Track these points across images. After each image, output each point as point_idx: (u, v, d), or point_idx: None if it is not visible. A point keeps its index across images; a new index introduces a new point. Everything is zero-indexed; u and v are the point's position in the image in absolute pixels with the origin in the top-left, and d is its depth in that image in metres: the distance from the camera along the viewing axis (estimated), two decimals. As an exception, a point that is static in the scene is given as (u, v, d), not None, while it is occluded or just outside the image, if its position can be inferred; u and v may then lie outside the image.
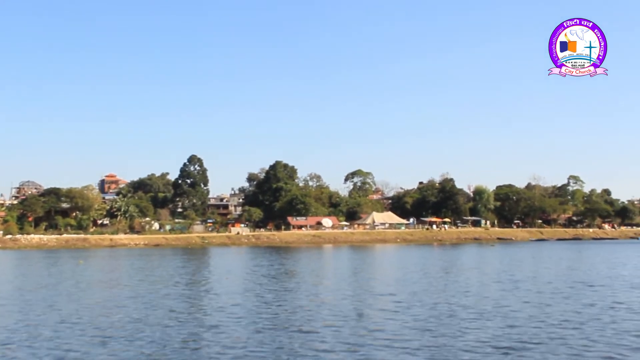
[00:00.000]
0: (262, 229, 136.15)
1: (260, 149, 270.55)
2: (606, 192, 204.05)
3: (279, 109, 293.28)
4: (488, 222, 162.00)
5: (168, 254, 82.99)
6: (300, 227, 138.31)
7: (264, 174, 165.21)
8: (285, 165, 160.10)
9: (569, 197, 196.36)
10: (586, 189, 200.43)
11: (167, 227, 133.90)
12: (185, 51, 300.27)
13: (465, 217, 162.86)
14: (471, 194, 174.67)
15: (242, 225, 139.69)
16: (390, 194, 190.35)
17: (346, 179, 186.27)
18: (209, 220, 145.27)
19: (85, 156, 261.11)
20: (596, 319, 23.70)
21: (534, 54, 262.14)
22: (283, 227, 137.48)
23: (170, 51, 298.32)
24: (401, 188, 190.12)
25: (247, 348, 19.58)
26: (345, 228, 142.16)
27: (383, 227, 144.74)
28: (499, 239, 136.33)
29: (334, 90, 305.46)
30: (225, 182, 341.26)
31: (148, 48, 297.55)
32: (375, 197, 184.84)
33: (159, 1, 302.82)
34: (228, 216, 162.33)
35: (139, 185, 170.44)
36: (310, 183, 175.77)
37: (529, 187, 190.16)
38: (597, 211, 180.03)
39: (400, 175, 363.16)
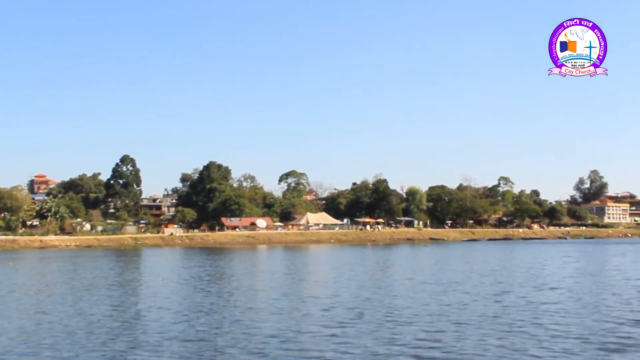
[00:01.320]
0: (195, 230, 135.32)
1: (194, 149, 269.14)
2: (535, 193, 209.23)
3: (212, 109, 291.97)
4: (421, 223, 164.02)
5: (100, 256, 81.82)
6: (234, 227, 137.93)
7: (197, 175, 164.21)
8: (219, 166, 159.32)
9: (500, 198, 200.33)
10: (516, 190, 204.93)
11: (99, 228, 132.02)
12: (115, 51, 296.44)
13: (398, 218, 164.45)
14: (404, 195, 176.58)
15: (176, 226, 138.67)
16: (324, 195, 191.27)
17: (280, 180, 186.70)
18: (141, 221, 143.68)
19: (14, 156, 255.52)
20: (518, 323, 23.77)
21: (535, 53, 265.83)
22: (217, 227, 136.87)
23: (100, 51, 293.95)
24: (335, 189, 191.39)
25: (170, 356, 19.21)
26: (279, 229, 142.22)
27: (317, 227, 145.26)
28: (431, 239, 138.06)
29: (269, 90, 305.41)
30: (158, 182, 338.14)
31: (78, 49, 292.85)
32: (309, 197, 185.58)
33: (87, 3, 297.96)
34: (161, 217, 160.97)
35: (70, 186, 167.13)
36: (245, 184, 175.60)
37: (460, 188, 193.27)
38: (527, 212, 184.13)
39: (334, 176, 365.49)
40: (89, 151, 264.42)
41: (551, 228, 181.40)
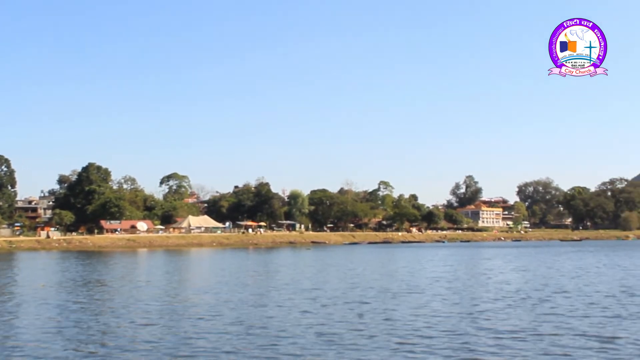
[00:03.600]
0: (74, 233, 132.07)
1: (72, 150, 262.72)
2: (413, 197, 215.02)
3: (92, 111, 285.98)
4: (302, 226, 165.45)
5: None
6: (114, 230, 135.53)
7: (75, 176, 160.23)
8: (99, 168, 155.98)
9: (380, 202, 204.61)
10: (395, 194, 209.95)
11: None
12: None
13: (280, 221, 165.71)
14: (286, 198, 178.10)
15: (53, 229, 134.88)
16: (206, 198, 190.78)
17: (161, 182, 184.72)
18: (16, 224, 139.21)
19: None
20: (376, 331, 23.33)
21: (534, 53, 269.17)
22: (96, 231, 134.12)
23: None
24: (217, 192, 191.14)
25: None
26: (160, 232, 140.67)
27: (199, 230, 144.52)
28: (313, 242, 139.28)
29: (150, 92, 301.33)
30: (34, 184, 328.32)
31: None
32: (191, 200, 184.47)
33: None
34: (37, 219, 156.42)
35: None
36: (125, 186, 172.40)
37: (341, 191, 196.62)
38: (406, 215, 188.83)
39: (216, 179, 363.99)
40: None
41: (429, 232, 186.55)
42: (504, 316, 26.39)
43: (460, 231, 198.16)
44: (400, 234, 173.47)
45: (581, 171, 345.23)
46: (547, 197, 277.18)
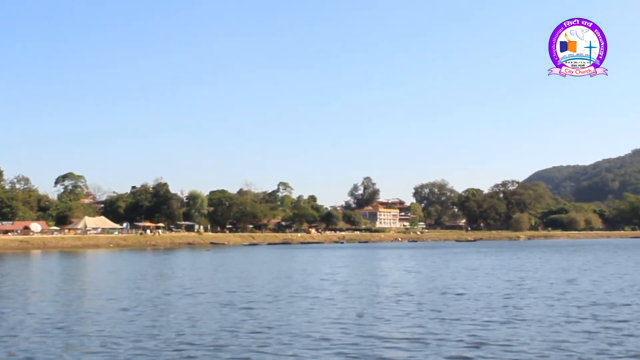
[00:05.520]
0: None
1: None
2: (312, 198, 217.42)
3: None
4: (201, 227, 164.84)
5: None
6: (6, 232, 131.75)
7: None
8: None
9: (279, 203, 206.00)
10: (294, 195, 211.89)
11: None
12: None
13: (179, 222, 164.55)
14: (185, 199, 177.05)
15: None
16: (103, 198, 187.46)
17: (56, 182, 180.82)
18: None
19: None
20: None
21: (533, 54, 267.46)
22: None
23: None
24: (114, 192, 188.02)
25: None
26: (55, 233, 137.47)
27: (95, 232, 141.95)
28: (212, 243, 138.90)
29: (46, 92, 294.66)
30: None
31: None
32: (87, 201, 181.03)
33: None
34: None
35: None
36: (18, 186, 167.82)
37: (241, 192, 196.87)
38: (305, 216, 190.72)
39: (113, 179, 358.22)
40: None
41: (328, 232, 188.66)
42: (397, 320, 25.93)
43: (358, 232, 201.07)
44: (299, 234, 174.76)
45: (475, 173, 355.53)
46: (442, 198, 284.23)
